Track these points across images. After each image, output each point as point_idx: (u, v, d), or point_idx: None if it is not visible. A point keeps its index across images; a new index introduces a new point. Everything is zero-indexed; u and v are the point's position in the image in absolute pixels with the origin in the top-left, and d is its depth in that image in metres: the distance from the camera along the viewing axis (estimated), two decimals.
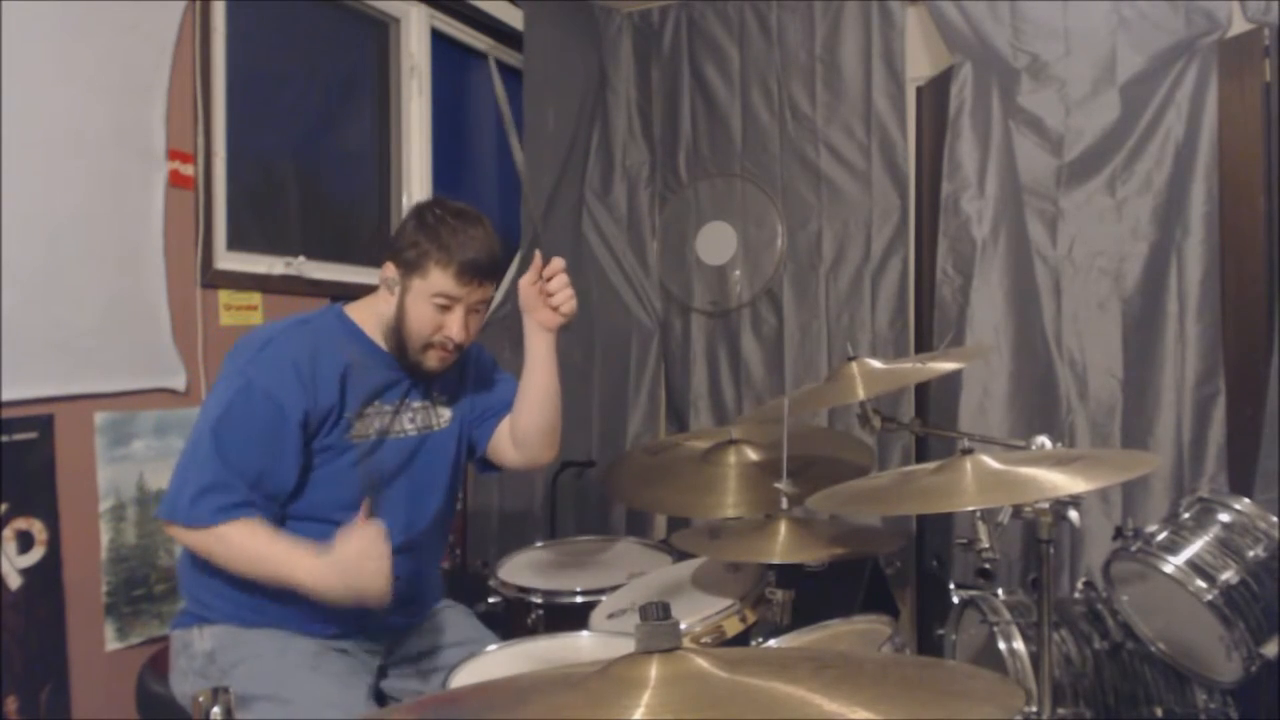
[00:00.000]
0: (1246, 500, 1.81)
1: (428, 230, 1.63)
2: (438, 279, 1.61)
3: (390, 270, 1.66)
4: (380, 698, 1.70)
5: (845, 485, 1.68)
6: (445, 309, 1.63)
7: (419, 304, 1.63)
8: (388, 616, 1.68)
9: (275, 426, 1.55)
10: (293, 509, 1.60)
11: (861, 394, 1.85)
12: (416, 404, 1.74)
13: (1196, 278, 2.47)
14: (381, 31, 2.79)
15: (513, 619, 1.99)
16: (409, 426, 1.72)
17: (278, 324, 1.68)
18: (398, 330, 1.66)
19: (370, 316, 1.71)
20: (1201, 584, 1.69)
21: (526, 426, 1.79)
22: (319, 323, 1.69)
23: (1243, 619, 1.67)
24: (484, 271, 1.64)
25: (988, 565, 1.55)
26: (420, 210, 1.68)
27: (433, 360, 1.67)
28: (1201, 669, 1.77)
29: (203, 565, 1.61)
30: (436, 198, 1.70)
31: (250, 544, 1.51)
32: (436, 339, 1.65)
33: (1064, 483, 1.39)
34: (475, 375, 1.87)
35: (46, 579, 1.80)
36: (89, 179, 1.87)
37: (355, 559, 1.46)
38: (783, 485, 1.70)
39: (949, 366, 2.01)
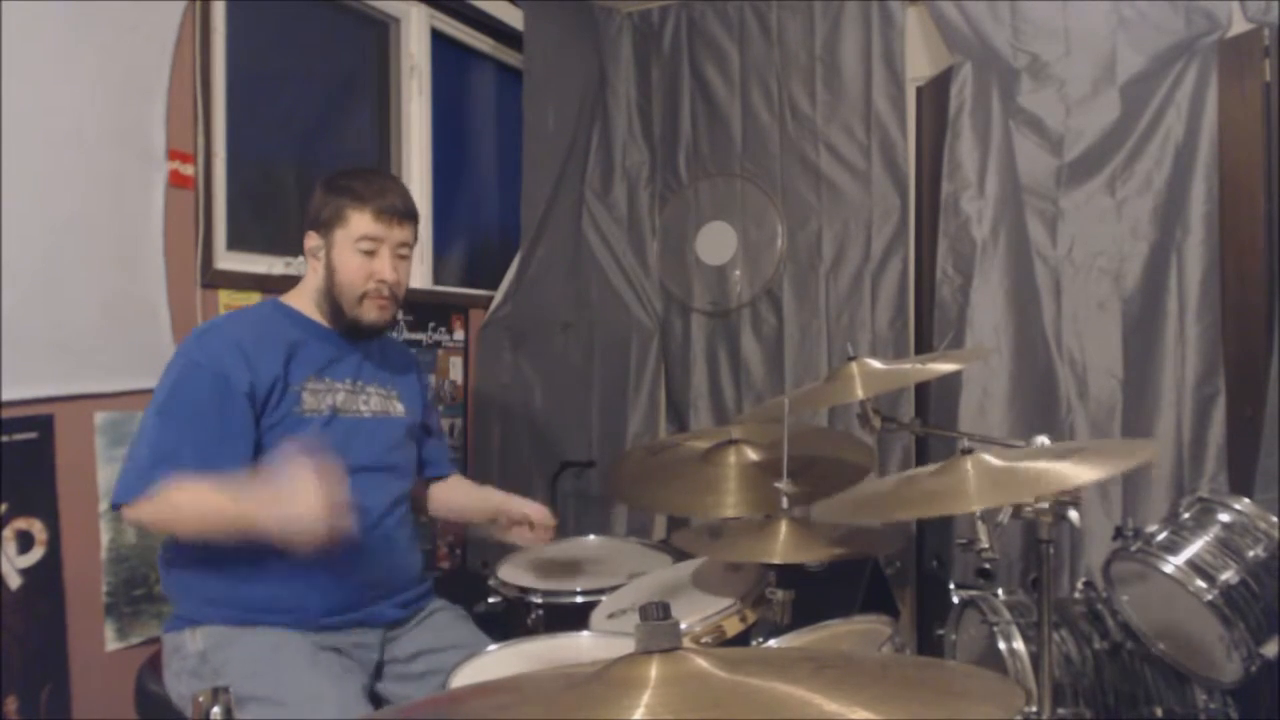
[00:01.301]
0: (1246, 500, 1.81)
1: (337, 189, 1.71)
2: (358, 223, 1.69)
3: (312, 239, 1.74)
4: (375, 699, 1.70)
5: (848, 492, 1.68)
6: (371, 254, 1.70)
7: (345, 254, 1.70)
8: (374, 605, 1.69)
9: (221, 397, 1.57)
10: None
11: (861, 394, 1.85)
12: (372, 389, 1.79)
13: (1196, 278, 2.47)
14: (381, 31, 2.79)
15: (513, 619, 1.98)
16: (364, 409, 1.76)
17: (218, 316, 1.79)
18: (330, 290, 1.72)
19: (305, 298, 1.77)
20: (1201, 584, 1.69)
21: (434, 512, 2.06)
22: (258, 312, 1.77)
23: (1243, 619, 1.67)
24: (400, 211, 1.72)
25: (988, 565, 1.55)
26: (325, 180, 1.75)
27: (371, 311, 1.72)
28: (1201, 669, 1.76)
29: (185, 566, 1.62)
30: (335, 170, 1.77)
31: (197, 500, 1.49)
32: (370, 286, 1.70)
33: (1070, 473, 1.38)
34: (426, 402, 1.98)
35: (46, 579, 1.80)
36: (89, 179, 1.87)
37: (298, 492, 1.38)
38: (783, 485, 1.70)
39: (949, 367, 2.01)
